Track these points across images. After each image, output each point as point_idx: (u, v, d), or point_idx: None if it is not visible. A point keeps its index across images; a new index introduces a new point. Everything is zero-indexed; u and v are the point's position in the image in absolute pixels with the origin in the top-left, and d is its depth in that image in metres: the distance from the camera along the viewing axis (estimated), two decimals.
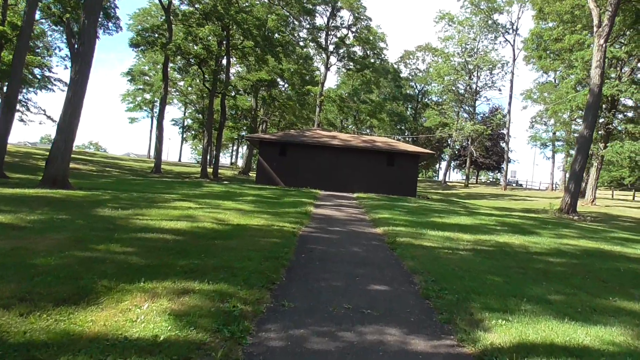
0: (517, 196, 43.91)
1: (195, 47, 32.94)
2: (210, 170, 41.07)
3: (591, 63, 24.60)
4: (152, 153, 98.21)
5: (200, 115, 55.95)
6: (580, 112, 32.07)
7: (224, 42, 36.01)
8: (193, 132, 60.47)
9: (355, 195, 25.10)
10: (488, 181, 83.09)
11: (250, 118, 45.77)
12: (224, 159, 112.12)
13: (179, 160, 74.29)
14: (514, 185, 67.72)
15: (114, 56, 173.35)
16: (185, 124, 63.60)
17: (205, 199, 15.40)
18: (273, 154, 29.54)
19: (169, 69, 38.93)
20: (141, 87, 63.96)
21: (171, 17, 35.13)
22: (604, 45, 23.62)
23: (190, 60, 33.66)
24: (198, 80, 40.14)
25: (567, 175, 39.22)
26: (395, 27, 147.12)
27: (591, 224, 21.33)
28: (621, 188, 69.43)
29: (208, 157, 42.65)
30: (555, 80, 50.31)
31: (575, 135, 50.22)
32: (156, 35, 34.81)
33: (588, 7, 29.75)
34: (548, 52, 32.97)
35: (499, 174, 76.40)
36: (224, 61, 38.20)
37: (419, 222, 13.57)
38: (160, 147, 38.71)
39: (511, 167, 76.73)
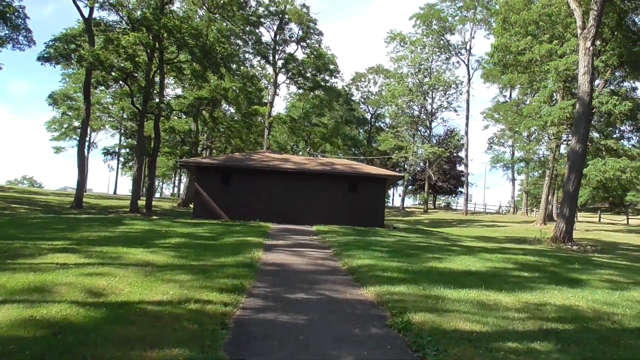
0: (485, 221, 40.92)
1: (119, 59, 27.92)
2: (142, 202, 35.46)
3: (577, 70, 21.74)
4: (89, 187, 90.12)
5: (130, 140, 49.95)
6: (555, 128, 29.40)
7: (156, 56, 31.22)
8: (122, 159, 53.95)
9: (314, 228, 20.66)
10: (442, 206, 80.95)
11: (190, 143, 40.69)
12: (168, 189, 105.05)
13: (114, 192, 67.35)
14: (472, 209, 65.42)
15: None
16: (122, 152, 57.11)
17: (104, 247, 10.49)
18: (214, 182, 24.74)
19: (91, 88, 33.54)
20: (69, 113, 57.27)
21: (92, 28, 30.04)
22: (590, 48, 20.79)
23: (112, 74, 28.50)
24: (129, 102, 34.87)
25: (549, 198, 36.56)
26: (343, 49, 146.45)
27: (601, 255, 17.85)
28: (585, 209, 68.79)
29: (142, 188, 37.14)
30: (517, 98, 48.77)
31: (536, 157, 48.51)
32: (73, 46, 29.53)
33: (559, 12, 27.39)
34: (514, 64, 30.37)
35: (454, 197, 74.31)
36: (158, 78, 33.30)
37: (418, 272, 9.31)
38: (82, 177, 32.92)
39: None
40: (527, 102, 48.03)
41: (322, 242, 15.19)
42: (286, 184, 24.80)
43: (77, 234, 13.74)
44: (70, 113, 56.89)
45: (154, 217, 24.93)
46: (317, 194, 24.78)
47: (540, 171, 43.84)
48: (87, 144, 63.07)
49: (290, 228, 20.43)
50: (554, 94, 30.16)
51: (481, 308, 6.62)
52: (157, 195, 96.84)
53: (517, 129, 42.63)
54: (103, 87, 37.23)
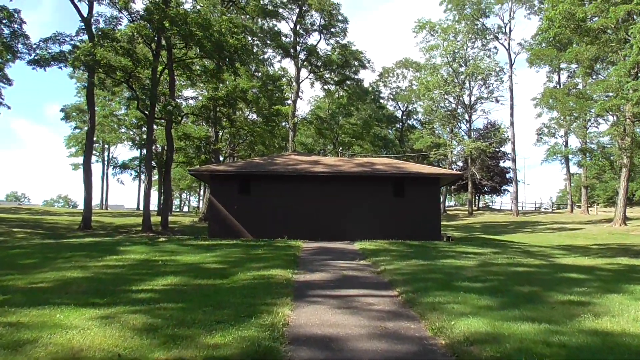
0: (544, 223, 35.64)
1: (117, 57, 24.06)
2: (157, 219, 31.65)
3: None
4: (119, 203, 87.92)
5: (142, 151, 46.37)
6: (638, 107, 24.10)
7: (163, 54, 27.40)
8: (134, 172, 50.34)
9: (357, 246, 16.19)
10: (484, 206, 75.06)
11: (208, 151, 36.76)
12: (194, 202, 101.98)
13: (137, 208, 64.26)
14: (520, 209, 59.56)
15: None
16: (132, 165, 53.64)
17: (33, 310, 6.29)
18: (231, 193, 20.59)
19: (95, 94, 30.02)
20: (82, 128, 54.21)
21: (92, 27, 26.40)
22: None
23: (111, 75, 24.68)
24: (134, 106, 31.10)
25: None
26: (367, 45, 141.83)
27: None
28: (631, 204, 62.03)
29: (156, 203, 33.36)
30: (566, 81, 43.17)
31: (592, 144, 42.81)
32: (68, 47, 25.93)
33: None
34: (580, 34, 25.22)
35: (498, 197, 68.42)
36: (167, 80, 29.46)
37: (583, 349, 4.77)
38: (89, 195, 29.25)
39: (512, 189, 68.83)
40: (581, 85, 42.48)
41: (375, 272, 10.69)
42: (317, 191, 20.45)
43: (30, 275, 9.69)
44: (86, 127, 53.93)
45: (162, 238, 20.87)
46: (355, 201, 20.32)
47: (603, 162, 38.13)
48: (106, 158, 60.30)
49: (326, 248, 16.02)
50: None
51: None
52: (186, 209, 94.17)
53: (576, 115, 37.19)
54: (106, 92, 33.63)
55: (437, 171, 23.29)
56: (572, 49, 28.48)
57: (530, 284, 8.77)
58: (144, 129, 36.52)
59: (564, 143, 49.28)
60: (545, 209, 55.79)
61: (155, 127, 35.28)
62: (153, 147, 35.90)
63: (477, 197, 65.03)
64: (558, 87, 46.18)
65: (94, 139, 53.60)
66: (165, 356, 4.66)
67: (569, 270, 10.83)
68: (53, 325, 5.59)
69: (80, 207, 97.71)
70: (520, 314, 6.40)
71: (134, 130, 48.21)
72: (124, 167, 49.08)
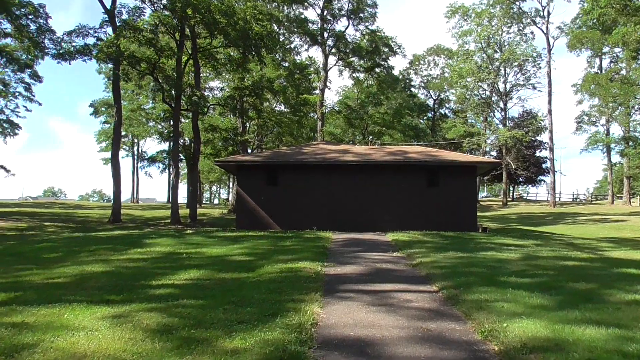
0: (584, 214, 34.01)
1: (141, 48, 23.82)
2: (186, 212, 31.56)
3: None
4: (153, 197, 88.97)
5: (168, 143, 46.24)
6: None
7: (188, 45, 27.07)
8: (162, 165, 50.34)
9: (389, 237, 15.45)
10: (519, 196, 72.60)
11: (236, 142, 36.43)
12: (224, 194, 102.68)
13: (167, 200, 64.83)
14: (556, 200, 57.33)
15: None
16: (159, 158, 53.69)
17: (41, 309, 5.84)
18: (258, 183, 20.10)
19: (120, 88, 30.00)
20: (110, 123, 54.74)
21: (116, 19, 26.22)
22: None
23: (136, 67, 24.45)
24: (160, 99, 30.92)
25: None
26: (396, 32, 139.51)
27: None
28: None
29: (185, 196, 33.27)
30: (608, 67, 40.75)
31: (635, 133, 40.69)
32: (94, 41, 25.81)
33: None
34: (629, 13, 23.50)
35: (534, 187, 66.04)
36: (192, 71, 29.15)
37: None
38: (118, 189, 29.29)
39: (548, 179, 66.34)
40: (624, 71, 40.28)
41: (410, 265, 9.95)
42: (347, 181, 19.76)
43: (49, 270, 9.38)
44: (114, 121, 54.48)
45: (190, 230, 20.59)
46: (386, 191, 19.53)
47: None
48: (135, 152, 60.96)
49: (357, 239, 15.34)
50: None
51: None
52: (216, 202, 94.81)
53: (620, 102, 35.15)
54: (133, 86, 33.59)
55: (474, 159, 22.23)
56: (618, 30, 26.54)
57: (585, 280, 7.88)
58: (172, 122, 36.53)
59: (605, 132, 46.89)
60: (584, 200, 53.45)
61: (182, 120, 35.21)
62: (180, 140, 35.84)
63: (511, 188, 62.99)
64: (600, 72, 43.73)
65: (122, 133, 54.30)
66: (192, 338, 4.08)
67: (624, 265, 9.83)
68: (59, 326, 5.10)
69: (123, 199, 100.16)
70: (582, 316, 5.57)
71: (162, 123, 48.32)
72: (151, 160, 49.33)
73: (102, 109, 50.96)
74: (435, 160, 19.61)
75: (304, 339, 4.79)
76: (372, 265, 9.76)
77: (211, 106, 31.18)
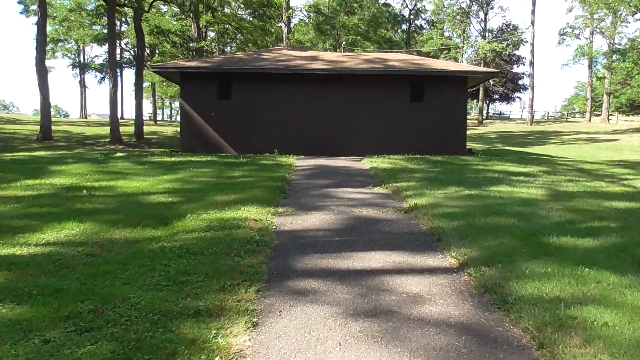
0: (567, 132, 32.02)
1: None
2: (130, 129, 27.72)
3: None
4: (95, 112, 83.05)
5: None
6: None
7: None
8: (94, 72, 44.45)
9: (366, 164, 12.51)
10: (495, 114, 70.32)
11: (191, 50, 31.78)
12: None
13: (121, 117, 59.69)
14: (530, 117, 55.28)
15: None
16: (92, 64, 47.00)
17: None
18: (207, 96, 16.50)
19: None
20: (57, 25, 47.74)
21: None
22: None
23: None
24: None
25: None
26: None
27: None
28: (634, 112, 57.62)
29: (126, 111, 29.15)
30: None
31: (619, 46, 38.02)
32: None
33: None
34: None
35: (505, 105, 63.78)
36: None
37: None
38: (46, 101, 25.01)
39: (523, 96, 63.91)
40: None
41: (402, 210, 6.99)
42: (316, 95, 16.39)
43: None
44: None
45: (120, 154, 17.05)
46: (363, 106, 16.33)
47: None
48: (82, 61, 54.47)
49: (327, 166, 12.34)
50: None
51: None
52: (178, 119, 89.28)
53: (615, 8, 31.87)
54: None
55: (467, 68, 19.03)
56: None
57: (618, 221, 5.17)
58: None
59: (587, 45, 43.88)
60: (557, 117, 51.62)
61: (128, 22, 29.99)
62: (125, 44, 30.93)
63: (488, 105, 60.60)
64: None
65: (62, 38, 47.85)
66: None
67: None
68: None
69: (73, 116, 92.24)
70: None
71: (97, 24, 41.71)
72: (82, 67, 43.22)
73: (34, 7, 43.87)
74: (420, 69, 16.28)
75: None
76: (348, 212, 6.79)
77: (156, 1, 26.19)
